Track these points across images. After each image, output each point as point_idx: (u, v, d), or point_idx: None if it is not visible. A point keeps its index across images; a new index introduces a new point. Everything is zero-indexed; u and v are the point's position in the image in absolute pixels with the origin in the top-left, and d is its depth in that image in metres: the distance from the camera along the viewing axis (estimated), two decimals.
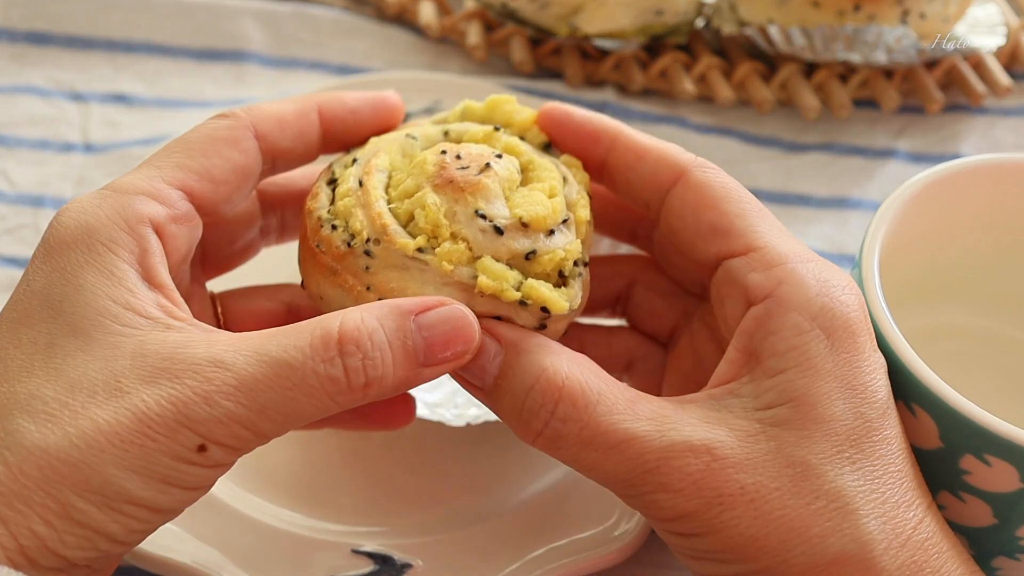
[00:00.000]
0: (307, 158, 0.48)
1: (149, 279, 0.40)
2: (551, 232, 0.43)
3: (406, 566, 0.51)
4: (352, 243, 0.43)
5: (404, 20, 0.84)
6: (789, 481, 0.39)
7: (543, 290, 0.42)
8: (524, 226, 0.43)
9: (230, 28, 0.81)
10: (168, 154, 0.44)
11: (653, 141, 0.46)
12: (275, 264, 0.54)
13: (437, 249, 0.42)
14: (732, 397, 0.41)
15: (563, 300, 0.42)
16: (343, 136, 0.48)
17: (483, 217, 0.42)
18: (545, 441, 0.40)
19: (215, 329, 0.39)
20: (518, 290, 0.42)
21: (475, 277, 0.41)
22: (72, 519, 0.36)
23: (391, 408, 0.51)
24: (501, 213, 0.43)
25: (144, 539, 0.38)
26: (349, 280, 0.43)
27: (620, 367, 0.52)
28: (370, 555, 0.52)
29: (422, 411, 0.56)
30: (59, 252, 0.40)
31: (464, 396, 0.58)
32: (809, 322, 0.40)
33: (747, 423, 0.40)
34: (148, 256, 0.40)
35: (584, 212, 0.45)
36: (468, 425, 0.56)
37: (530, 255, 0.43)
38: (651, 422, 0.39)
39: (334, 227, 0.43)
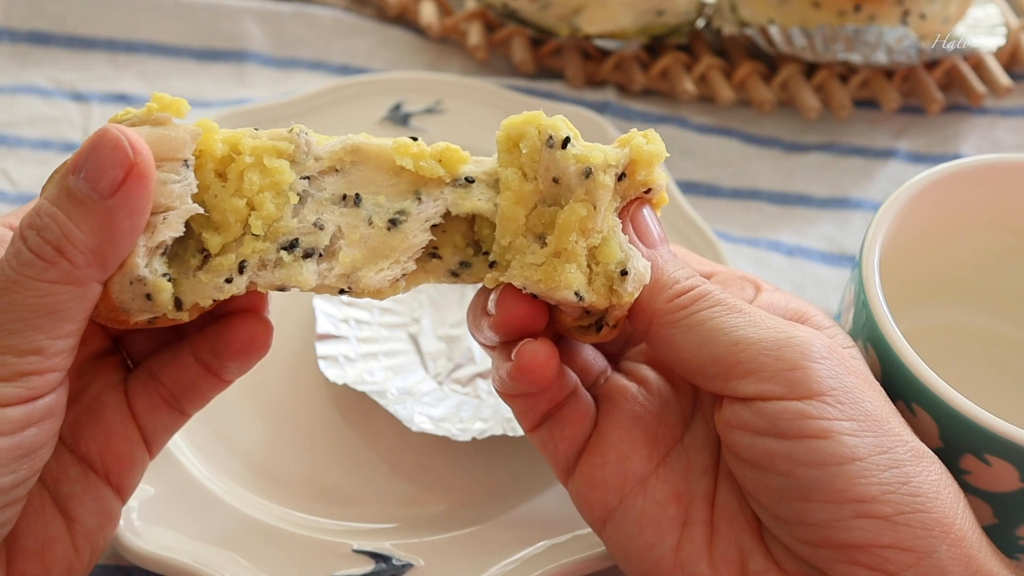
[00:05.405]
0: None
1: None
2: None
3: (406, 566, 0.52)
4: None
5: (405, 20, 0.84)
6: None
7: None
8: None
9: (231, 28, 0.81)
10: None
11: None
12: None
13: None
14: None
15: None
16: None
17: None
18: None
19: None
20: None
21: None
22: None
23: (244, 329, 0.46)
24: None
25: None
26: None
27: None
28: (370, 554, 0.52)
29: (427, 425, 0.56)
30: None
31: (469, 411, 0.58)
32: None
33: None
34: None
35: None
36: (474, 440, 0.56)
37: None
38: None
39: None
